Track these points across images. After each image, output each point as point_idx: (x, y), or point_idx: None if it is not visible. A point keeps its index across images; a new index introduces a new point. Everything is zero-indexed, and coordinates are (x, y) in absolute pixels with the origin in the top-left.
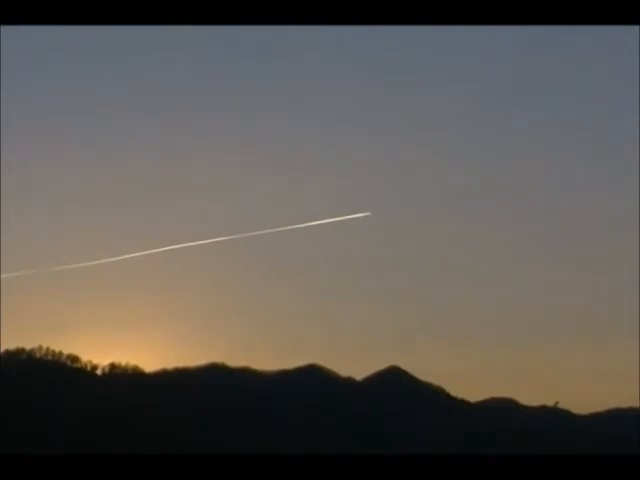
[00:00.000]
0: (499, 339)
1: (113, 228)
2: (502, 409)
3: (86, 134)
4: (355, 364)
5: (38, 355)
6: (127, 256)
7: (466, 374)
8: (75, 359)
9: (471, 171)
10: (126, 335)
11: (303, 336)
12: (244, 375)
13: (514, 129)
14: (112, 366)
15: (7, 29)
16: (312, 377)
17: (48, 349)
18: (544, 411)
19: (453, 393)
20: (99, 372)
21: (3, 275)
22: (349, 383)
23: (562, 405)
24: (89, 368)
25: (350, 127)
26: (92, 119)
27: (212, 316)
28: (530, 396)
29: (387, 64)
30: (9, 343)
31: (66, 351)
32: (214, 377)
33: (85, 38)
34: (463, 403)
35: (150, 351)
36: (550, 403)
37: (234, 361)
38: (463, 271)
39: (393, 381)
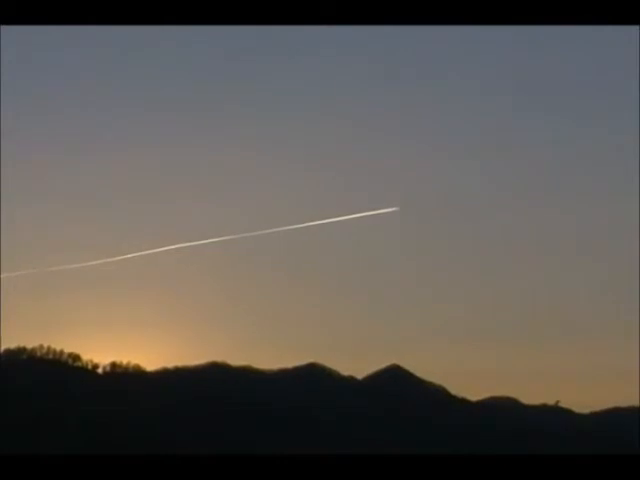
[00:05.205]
0: (500, 338)
1: (113, 228)
2: (503, 408)
3: (86, 134)
4: (356, 363)
5: (39, 354)
6: (127, 256)
7: (467, 373)
8: (76, 358)
9: (471, 171)
10: (127, 334)
11: (304, 335)
12: (245, 374)
13: (514, 129)
14: (113, 365)
15: (7, 29)
16: (313, 376)
17: (49, 348)
18: (545, 410)
19: (454, 392)
20: (100, 371)
21: (3, 275)
22: (350, 382)
23: (563, 404)
24: (90, 367)
25: (350, 127)
26: (92, 119)
27: (213, 315)
28: (531, 395)
29: (387, 64)
30: (10, 342)
31: (67, 350)
32: (215, 376)
33: (85, 38)
34: (464, 402)
35: (151, 350)
36: (551, 402)
37: (235, 360)
38: (464, 270)
39: (394, 380)
